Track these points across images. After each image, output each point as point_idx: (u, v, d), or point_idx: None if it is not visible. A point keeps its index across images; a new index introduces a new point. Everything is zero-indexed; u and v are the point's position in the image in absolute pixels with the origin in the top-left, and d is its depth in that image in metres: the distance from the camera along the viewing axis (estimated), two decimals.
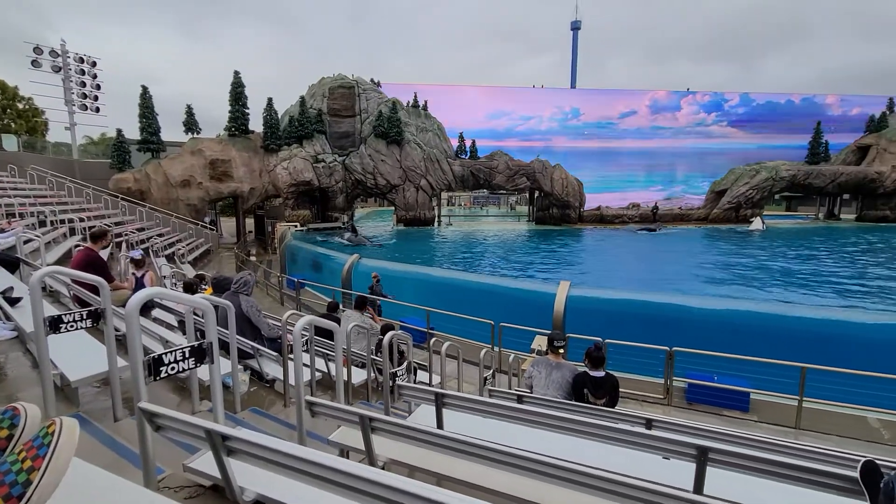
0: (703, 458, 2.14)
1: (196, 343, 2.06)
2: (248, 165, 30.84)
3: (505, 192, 46.58)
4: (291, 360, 3.41)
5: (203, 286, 7.96)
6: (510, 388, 6.25)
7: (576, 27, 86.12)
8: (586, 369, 4.22)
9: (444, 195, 49.02)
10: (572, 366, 4.39)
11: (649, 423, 3.18)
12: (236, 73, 31.29)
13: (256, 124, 33.09)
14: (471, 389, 6.96)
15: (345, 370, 4.67)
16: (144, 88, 28.78)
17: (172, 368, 1.94)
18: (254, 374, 4.80)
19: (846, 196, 45.71)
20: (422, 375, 7.15)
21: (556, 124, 59.72)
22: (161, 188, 27.60)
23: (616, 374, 4.57)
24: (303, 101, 35.05)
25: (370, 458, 2.12)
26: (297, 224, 29.59)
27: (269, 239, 30.87)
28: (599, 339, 6.66)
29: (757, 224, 38.81)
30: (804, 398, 6.37)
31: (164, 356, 1.91)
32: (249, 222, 36.99)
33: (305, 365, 3.88)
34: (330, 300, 7.94)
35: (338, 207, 34.92)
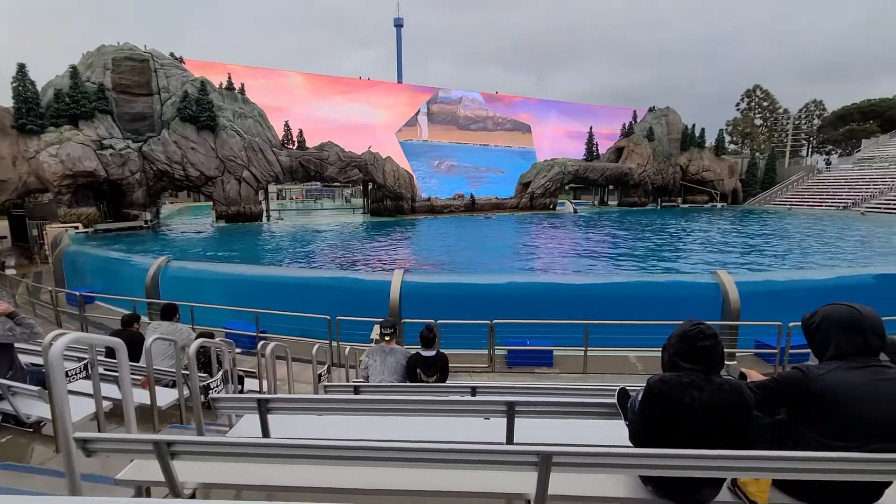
0: (511, 411, 2.46)
1: None
2: None
3: (339, 184, 45.31)
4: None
5: None
6: (348, 381, 6.18)
7: (398, 24, 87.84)
8: (419, 350, 4.44)
9: (273, 188, 45.15)
10: (404, 349, 4.56)
11: (474, 391, 3.51)
12: None
13: (3, 98, 24.97)
14: (307, 389, 6.66)
15: (148, 392, 3.95)
16: None
17: None
18: (9, 418, 3.69)
19: (611, 187, 58.46)
20: (253, 384, 6.54)
21: (386, 117, 60.42)
22: None
23: (448, 351, 4.92)
24: (75, 71, 27.64)
25: (173, 489, 1.82)
26: (79, 225, 23.54)
27: (35, 245, 23.85)
28: (432, 320, 7.07)
29: (568, 207, 48.02)
30: (588, 348, 7.96)
31: None
32: (2, 225, 28.07)
33: (85, 394, 3.14)
34: (128, 312, 6.59)
35: (137, 203, 28.95)
